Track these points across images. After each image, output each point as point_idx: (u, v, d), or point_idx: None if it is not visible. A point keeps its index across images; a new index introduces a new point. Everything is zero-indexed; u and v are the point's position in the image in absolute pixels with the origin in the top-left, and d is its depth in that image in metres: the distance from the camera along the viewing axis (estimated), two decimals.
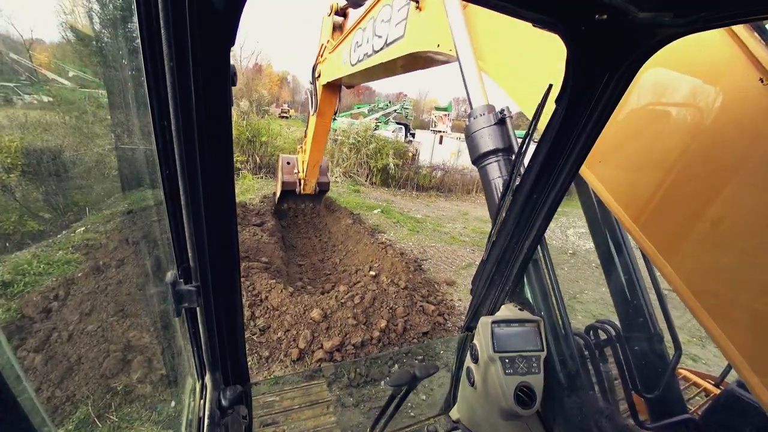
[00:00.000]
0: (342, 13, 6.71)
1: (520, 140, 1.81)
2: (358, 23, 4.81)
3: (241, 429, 1.40)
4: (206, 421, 1.24)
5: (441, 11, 2.71)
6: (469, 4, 2.64)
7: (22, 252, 6.38)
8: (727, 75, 1.53)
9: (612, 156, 1.85)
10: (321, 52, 6.99)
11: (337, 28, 6.72)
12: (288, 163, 9.67)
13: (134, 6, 0.79)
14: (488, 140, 2.20)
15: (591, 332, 2.38)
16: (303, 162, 9.30)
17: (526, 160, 1.71)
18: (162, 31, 0.78)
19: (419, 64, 4.04)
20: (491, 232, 1.98)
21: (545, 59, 2.10)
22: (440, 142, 24.11)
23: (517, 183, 1.76)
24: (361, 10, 4.58)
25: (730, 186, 1.51)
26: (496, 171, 2.16)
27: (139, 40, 0.82)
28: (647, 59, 1.29)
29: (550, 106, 1.52)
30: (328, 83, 6.83)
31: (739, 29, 1.43)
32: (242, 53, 38.64)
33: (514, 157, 1.74)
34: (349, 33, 5.24)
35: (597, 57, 1.32)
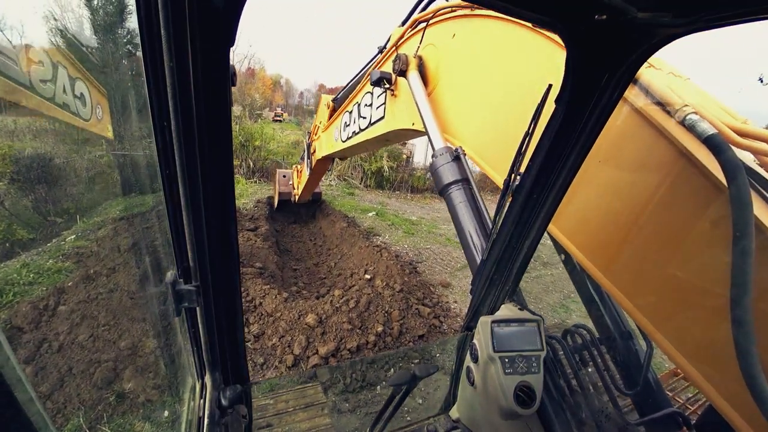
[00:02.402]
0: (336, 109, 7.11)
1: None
2: (345, 107, 5.58)
3: (240, 428, 1.39)
4: (206, 420, 1.23)
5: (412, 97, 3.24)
6: (433, 92, 3.24)
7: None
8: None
9: (568, 208, 2.09)
10: (315, 131, 7.73)
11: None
12: (284, 176, 10.87)
13: (134, 6, 0.78)
14: (449, 174, 2.62)
15: (567, 336, 2.42)
16: (299, 183, 10.13)
17: (526, 160, 1.72)
18: (162, 31, 0.77)
19: (400, 138, 4.72)
20: (491, 230, 1.98)
21: (497, 130, 2.61)
22: None
23: (517, 183, 1.76)
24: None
25: (667, 224, 1.76)
26: (458, 197, 2.53)
27: (139, 40, 0.82)
28: (647, 59, 1.30)
29: (550, 106, 1.53)
30: (323, 157, 7.47)
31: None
32: (235, 57, 38.46)
33: (513, 157, 1.75)
34: (338, 116, 6.01)
35: (597, 57, 1.32)
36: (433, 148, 2.85)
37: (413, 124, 3.49)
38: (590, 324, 2.56)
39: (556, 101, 1.50)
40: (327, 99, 6.92)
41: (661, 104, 1.70)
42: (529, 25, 2.18)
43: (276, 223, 11.10)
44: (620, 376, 2.43)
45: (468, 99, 2.91)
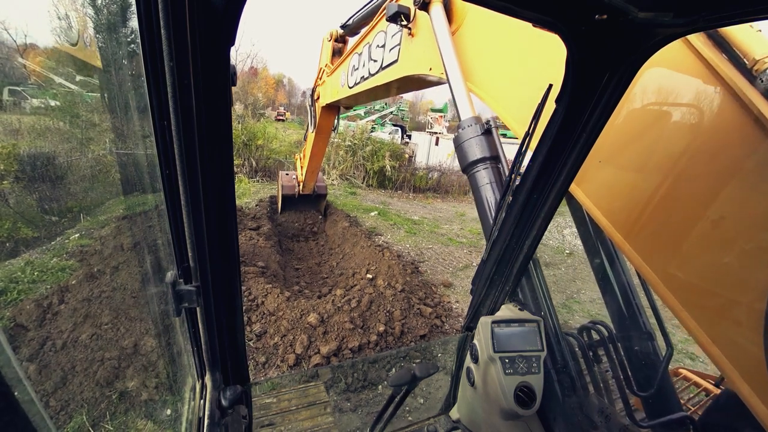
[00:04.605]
0: (341, 39, 6.80)
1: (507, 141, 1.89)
2: (355, 48, 5.00)
3: (241, 429, 1.40)
4: (206, 421, 1.23)
5: (432, 37, 2.85)
6: (458, 31, 2.83)
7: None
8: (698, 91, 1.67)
9: (598, 171, 1.96)
10: (320, 76, 7.18)
11: (337, 53, 6.82)
12: (287, 174, 10.88)
13: (134, 6, 0.78)
14: (476, 149, 2.31)
15: (584, 333, 2.39)
16: (302, 167, 9.86)
17: (526, 160, 1.72)
18: (162, 31, 0.77)
19: (413, 85, 4.29)
20: (492, 231, 1.98)
21: (530, 79, 2.25)
22: (436, 144, 24.14)
23: (517, 183, 1.76)
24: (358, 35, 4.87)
25: (707, 195, 1.65)
26: (484, 178, 2.26)
27: (139, 40, 0.82)
28: (647, 59, 1.29)
29: (550, 106, 1.52)
30: (327, 105, 6.98)
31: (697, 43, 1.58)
32: (237, 56, 38.55)
33: (513, 157, 1.75)
34: (346, 57, 5.44)
35: (597, 57, 1.32)
36: (453, 95, 2.52)
37: (431, 69, 3.12)
38: (608, 321, 2.50)
39: (557, 101, 1.50)
40: (330, 31, 6.34)
41: (731, 52, 1.53)
42: None
43: (278, 224, 11.09)
44: (634, 377, 2.35)
45: (499, 42, 2.53)
